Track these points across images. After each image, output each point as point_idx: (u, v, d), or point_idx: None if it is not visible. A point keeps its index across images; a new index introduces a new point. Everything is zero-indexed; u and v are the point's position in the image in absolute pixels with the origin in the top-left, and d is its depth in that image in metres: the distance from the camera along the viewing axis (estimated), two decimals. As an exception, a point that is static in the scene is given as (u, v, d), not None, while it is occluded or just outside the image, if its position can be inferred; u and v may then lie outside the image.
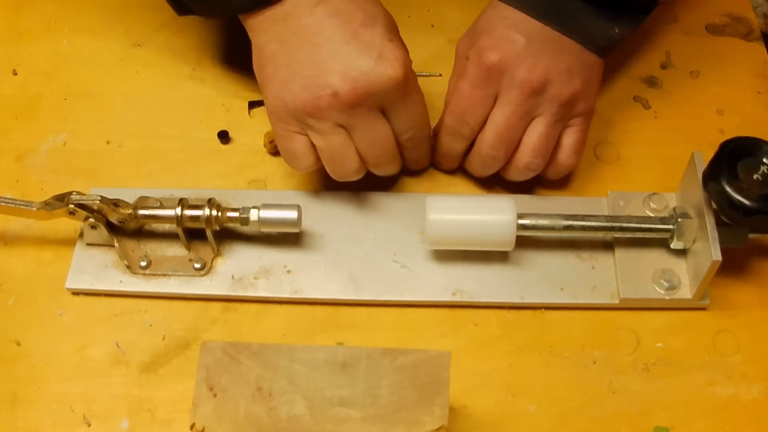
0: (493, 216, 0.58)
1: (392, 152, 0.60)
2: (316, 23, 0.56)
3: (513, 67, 0.58)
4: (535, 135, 0.59)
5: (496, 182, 0.65)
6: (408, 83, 0.57)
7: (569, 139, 0.61)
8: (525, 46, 0.58)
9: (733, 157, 0.54)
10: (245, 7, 0.57)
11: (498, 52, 0.58)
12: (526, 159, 0.60)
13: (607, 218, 0.59)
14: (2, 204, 0.59)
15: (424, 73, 0.70)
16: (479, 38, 0.59)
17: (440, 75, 0.70)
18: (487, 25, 0.60)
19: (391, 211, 0.63)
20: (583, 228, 0.59)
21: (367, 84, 0.55)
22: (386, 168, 0.61)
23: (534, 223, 0.59)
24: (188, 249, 0.61)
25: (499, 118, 0.59)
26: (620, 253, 0.60)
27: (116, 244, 0.61)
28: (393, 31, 0.57)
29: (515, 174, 0.62)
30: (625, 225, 0.59)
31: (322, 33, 0.56)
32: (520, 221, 0.58)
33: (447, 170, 0.65)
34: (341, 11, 0.56)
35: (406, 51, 0.57)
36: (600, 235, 0.61)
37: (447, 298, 0.60)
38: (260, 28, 0.57)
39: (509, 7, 0.60)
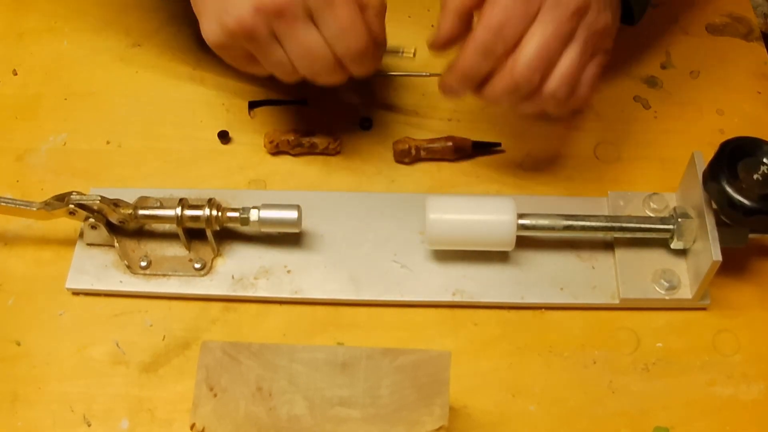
0: (493, 216, 0.58)
1: (326, 65, 0.56)
2: None
3: None
4: (568, 61, 0.56)
5: (496, 182, 0.65)
6: None
7: (591, 69, 0.58)
8: None
9: (733, 157, 0.54)
10: None
11: None
12: (554, 86, 0.56)
13: (607, 218, 0.59)
14: (2, 204, 0.59)
15: (424, 74, 0.70)
16: None
17: (440, 75, 0.70)
18: None
19: (391, 211, 0.63)
20: (583, 228, 0.59)
21: (272, 4, 0.53)
22: (326, 79, 0.58)
23: (534, 223, 0.59)
24: (188, 249, 0.61)
25: (541, 37, 0.54)
26: (620, 253, 0.60)
27: (116, 244, 0.61)
28: None
29: (536, 103, 0.57)
30: (625, 225, 0.59)
31: None
32: (520, 221, 0.58)
33: (451, 97, 0.61)
34: None
35: None
36: (600, 235, 0.61)
37: (447, 298, 0.60)
38: None
39: None
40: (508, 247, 0.59)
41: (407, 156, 0.65)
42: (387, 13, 0.75)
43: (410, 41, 0.73)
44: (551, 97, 0.56)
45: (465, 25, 0.58)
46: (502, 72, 0.56)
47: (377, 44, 0.58)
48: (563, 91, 0.56)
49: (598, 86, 0.59)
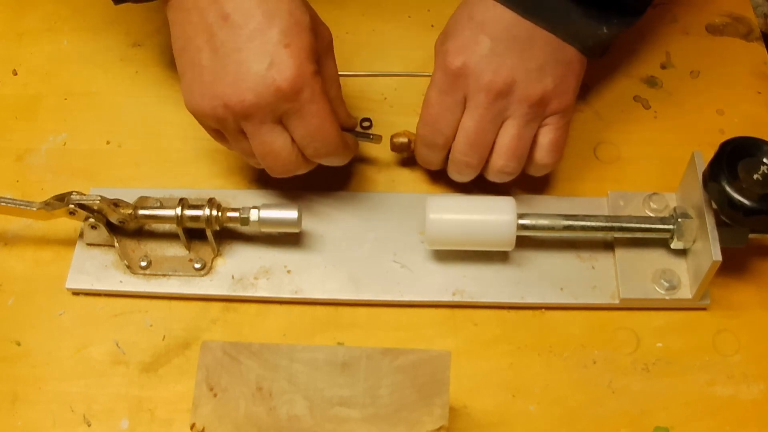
0: (493, 216, 0.58)
1: (288, 165, 0.57)
2: (213, 23, 0.54)
3: (478, 71, 0.56)
4: (506, 138, 0.58)
5: (496, 182, 0.65)
6: (301, 94, 0.53)
7: (545, 138, 0.59)
8: (490, 47, 0.56)
9: (733, 157, 0.54)
10: None
11: (462, 56, 0.57)
12: (500, 162, 0.59)
13: (607, 218, 0.59)
14: (2, 204, 0.59)
15: (424, 74, 0.70)
16: (445, 41, 0.58)
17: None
18: (454, 25, 0.59)
19: (391, 211, 0.63)
20: (583, 228, 0.59)
21: (254, 96, 0.53)
22: (287, 174, 0.58)
23: (534, 223, 0.59)
24: (188, 249, 0.61)
25: (469, 123, 0.58)
26: (620, 253, 0.60)
27: (116, 244, 0.61)
28: (293, 32, 0.53)
29: (493, 177, 0.60)
30: (625, 225, 0.59)
31: (217, 36, 0.54)
32: (520, 221, 0.58)
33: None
34: (238, 10, 0.53)
35: (306, 56, 0.53)
36: (600, 235, 0.61)
37: (447, 298, 0.60)
38: (171, 18, 0.57)
39: (486, 1, 0.57)
40: (508, 247, 0.59)
41: (405, 150, 0.64)
42: (387, 14, 0.76)
43: (410, 41, 0.74)
44: (501, 172, 0.59)
45: None
46: (449, 158, 0.60)
47: (346, 144, 0.59)
48: (511, 165, 0.59)
49: (565, 145, 0.61)
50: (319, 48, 0.56)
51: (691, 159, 0.58)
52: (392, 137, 0.64)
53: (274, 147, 0.56)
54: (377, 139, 0.63)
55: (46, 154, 0.68)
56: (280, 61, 0.52)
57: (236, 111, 0.54)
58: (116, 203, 0.59)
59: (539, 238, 0.61)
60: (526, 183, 0.65)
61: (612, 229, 0.59)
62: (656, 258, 0.60)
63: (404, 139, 0.63)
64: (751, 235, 0.58)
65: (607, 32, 0.60)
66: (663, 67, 0.72)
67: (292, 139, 0.56)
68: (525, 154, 0.59)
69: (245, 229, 0.61)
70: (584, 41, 0.59)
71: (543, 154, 0.60)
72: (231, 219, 0.59)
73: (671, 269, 0.59)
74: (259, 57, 0.53)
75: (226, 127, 0.56)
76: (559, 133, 0.60)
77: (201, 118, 0.57)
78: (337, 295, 0.60)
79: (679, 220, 0.58)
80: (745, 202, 0.53)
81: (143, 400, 0.57)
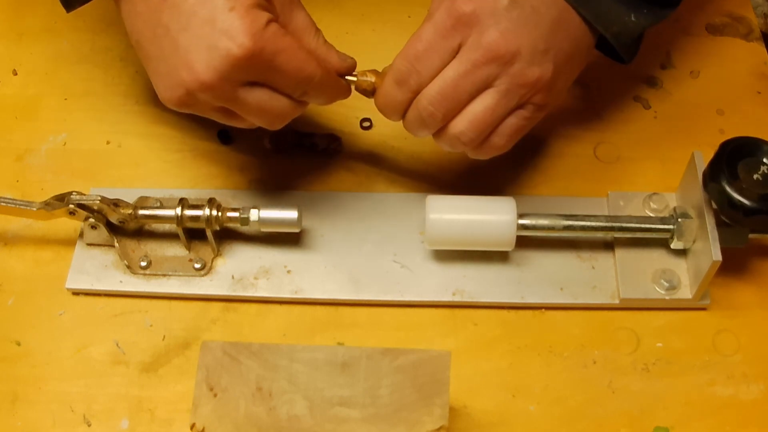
0: (493, 216, 0.58)
1: (282, 116, 0.54)
2: (155, 7, 0.51)
3: (485, 25, 0.52)
4: (481, 106, 0.53)
5: (496, 182, 0.65)
6: (263, 52, 0.49)
7: (512, 121, 0.55)
8: (507, 7, 0.52)
9: (733, 157, 0.54)
10: None
11: (474, 4, 0.52)
12: (461, 128, 0.54)
13: (607, 218, 0.59)
14: (2, 204, 0.59)
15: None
16: None
17: None
18: None
19: (391, 211, 0.63)
20: (583, 228, 0.59)
21: (215, 73, 0.49)
22: (286, 122, 0.56)
23: (534, 223, 0.59)
24: (188, 249, 0.61)
25: (450, 74, 0.53)
26: (620, 253, 0.60)
27: (116, 244, 0.61)
28: None
29: (444, 141, 0.56)
30: (625, 225, 0.59)
31: (162, 21, 0.50)
32: (520, 221, 0.58)
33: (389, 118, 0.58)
34: None
35: (255, 11, 0.49)
36: (600, 235, 0.61)
37: (447, 298, 0.60)
38: (122, 13, 0.54)
39: None
40: (508, 247, 0.59)
41: (371, 94, 0.58)
42: (387, 14, 0.76)
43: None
44: (457, 139, 0.55)
45: None
46: (413, 104, 0.55)
47: (334, 77, 0.56)
48: (469, 135, 0.54)
49: (521, 135, 0.57)
50: (283, 3, 0.53)
51: (691, 159, 0.58)
52: (358, 75, 0.57)
53: (261, 106, 0.53)
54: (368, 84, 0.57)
55: (46, 154, 0.68)
56: (229, 27, 0.49)
57: (203, 93, 0.51)
58: (116, 203, 0.59)
59: (539, 238, 0.61)
60: (526, 183, 0.65)
61: (612, 229, 0.59)
62: (656, 258, 0.60)
63: (371, 79, 0.57)
64: (751, 235, 0.58)
65: (635, 21, 0.57)
66: (663, 67, 0.72)
67: (274, 89, 0.53)
68: (488, 131, 0.55)
69: (245, 229, 0.61)
70: (609, 25, 0.56)
71: (500, 136, 0.55)
72: (231, 219, 0.59)
73: (671, 269, 0.59)
74: (207, 31, 0.49)
75: (204, 110, 0.53)
76: (525, 123, 0.55)
77: (177, 108, 0.53)
78: (337, 295, 0.60)
79: (679, 220, 0.58)
80: (745, 202, 0.53)
81: (143, 400, 0.57)
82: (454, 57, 0.53)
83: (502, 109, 0.54)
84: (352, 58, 0.57)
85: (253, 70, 0.51)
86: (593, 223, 0.59)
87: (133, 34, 0.54)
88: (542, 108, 0.56)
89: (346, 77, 0.57)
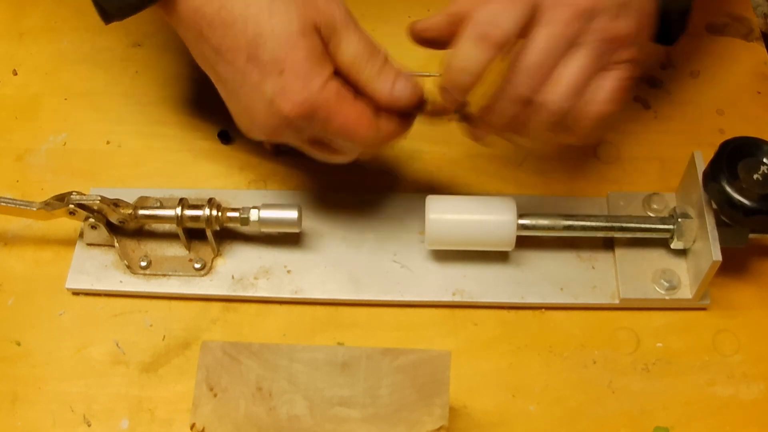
0: (493, 216, 0.58)
1: (344, 158, 0.55)
2: (210, 56, 0.52)
3: None
4: (573, 68, 0.49)
5: (496, 182, 0.65)
6: (315, 115, 0.50)
7: (606, 82, 0.50)
8: None
9: (733, 157, 0.54)
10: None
11: None
12: (556, 97, 0.49)
13: (607, 218, 0.59)
14: (2, 204, 0.59)
15: (424, 73, 0.70)
16: None
17: (440, 75, 0.70)
18: None
19: (391, 211, 0.63)
20: (583, 228, 0.59)
21: (272, 129, 0.52)
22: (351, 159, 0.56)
23: (534, 223, 0.59)
24: (188, 249, 0.61)
25: (540, 40, 0.49)
26: (620, 253, 0.60)
27: (116, 244, 0.61)
28: (283, 52, 0.50)
29: (537, 123, 0.51)
30: (625, 225, 0.59)
31: (219, 71, 0.52)
32: (520, 221, 0.58)
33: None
34: (224, 43, 0.51)
35: (306, 73, 0.50)
36: (600, 235, 0.61)
37: (447, 298, 0.60)
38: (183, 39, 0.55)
39: None
40: (508, 247, 0.59)
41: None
42: (387, 14, 0.76)
43: (410, 41, 0.73)
44: (554, 114, 0.50)
45: (452, 31, 0.53)
46: (495, 97, 0.52)
47: (385, 132, 0.54)
48: (567, 104, 0.49)
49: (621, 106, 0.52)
50: (327, 36, 0.51)
51: (691, 159, 0.58)
52: (427, 104, 0.55)
53: (323, 153, 0.55)
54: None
55: (46, 154, 0.68)
56: (281, 92, 0.50)
57: (269, 137, 0.54)
58: (116, 203, 0.59)
59: (539, 238, 0.61)
60: (526, 183, 0.65)
61: (612, 229, 0.59)
62: (656, 258, 0.60)
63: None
64: (751, 235, 0.58)
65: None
66: (663, 67, 0.72)
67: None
68: (582, 95, 0.50)
69: (245, 229, 0.61)
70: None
71: (597, 105, 0.50)
72: (231, 219, 0.59)
73: (671, 269, 0.59)
74: (259, 92, 0.51)
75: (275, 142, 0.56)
76: (623, 84, 0.51)
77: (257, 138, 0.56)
78: (337, 295, 0.60)
79: (679, 220, 0.58)
80: (745, 202, 0.53)
81: (143, 400, 0.57)
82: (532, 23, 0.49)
83: (594, 68, 0.50)
84: (413, 90, 0.53)
85: (304, 126, 0.51)
86: (593, 223, 0.59)
87: (200, 65, 0.55)
88: (635, 65, 0.51)
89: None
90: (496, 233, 0.58)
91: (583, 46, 0.49)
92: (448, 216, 0.58)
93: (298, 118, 0.50)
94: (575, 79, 0.49)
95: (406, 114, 0.54)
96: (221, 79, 0.53)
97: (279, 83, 0.50)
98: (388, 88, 0.52)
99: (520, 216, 0.58)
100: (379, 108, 0.53)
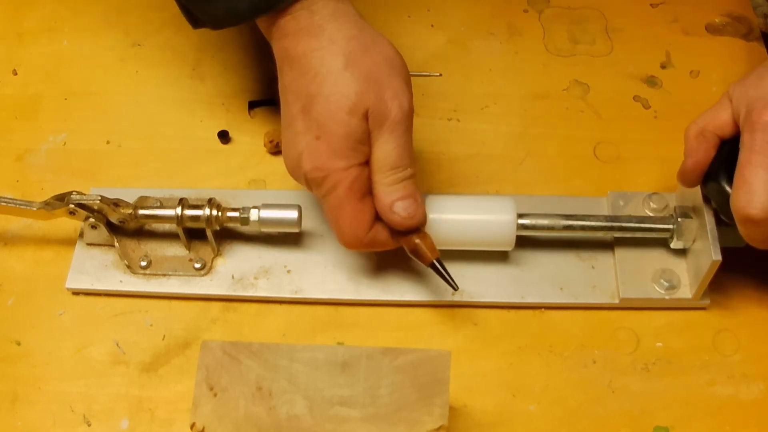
0: (493, 216, 0.58)
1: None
2: (282, 92, 0.56)
3: None
4: None
5: (495, 182, 0.65)
6: (323, 185, 0.53)
7: None
8: None
9: (732, 157, 0.54)
10: (249, 14, 0.54)
11: None
12: None
13: (607, 218, 0.59)
14: (2, 204, 0.59)
15: (424, 73, 0.70)
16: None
17: (440, 75, 0.70)
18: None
19: (391, 211, 0.63)
20: (583, 228, 0.59)
21: (294, 174, 0.56)
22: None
23: (534, 223, 0.59)
24: (188, 249, 0.61)
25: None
26: (620, 253, 0.60)
27: (116, 244, 0.61)
28: (328, 122, 0.52)
29: None
30: (625, 225, 0.59)
31: (283, 105, 0.55)
32: (520, 221, 0.58)
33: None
34: (290, 88, 0.54)
35: (334, 150, 0.52)
36: (600, 235, 0.61)
37: (447, 298, 0.60)
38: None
39: None
40: (508, 247, 0.59)
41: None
42: (387, 14, 0.76)
43: (410, 41, 0.74)
44: None
45: (711, 149, 0.55)
46: None
47: (368, 241, 0.55)
48: None
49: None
50: (372, 126, 0.53)
51: (691, 159, 0.58)
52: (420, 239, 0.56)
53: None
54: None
55: (46, 154, 0.68)
56: (309, 152, 0.53)
57: (296, 179, 0.57)
58: (116, 203, 0.59)
59: (539, 238, 0.61)
60: (526, 183, 0.65)
61: (612, 229, 0.59)
62: (656, 258, 0.60)
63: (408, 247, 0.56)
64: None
65: None
66: (663, 67, 0.72)
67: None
68: None
69: (245, 229, 0.61)
70: None
71: None
72: (231, 219, 0.59)
73: (671, 269, 0.59)
74: (295, 142, 0.54)
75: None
76: None
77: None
78: (337, 295, 0.60)
79: (679, 219, 0.58)
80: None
81: (143, 400, 0.57)
82: None
83: None
84: (411, 216, 0.54)
85: (316, 190, 0.54)
86: (593, 223, 0.59)
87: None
88: None
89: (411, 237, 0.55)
90: (496, 233, 0.58)
91: None
92: (448, 216, 0.58)
93: (310, 179, 0.54)
94: None
95: (400, 232, 0.55)
96: (283, 110, 0.56)
97: (311, 145, 0.53)
98: (391, 199, 0.54)
99: (520, 216, 0.58)
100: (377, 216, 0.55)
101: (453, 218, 0.58)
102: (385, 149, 0.53)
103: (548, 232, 0.59)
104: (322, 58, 0.52)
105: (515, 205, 0.58)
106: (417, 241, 0.55)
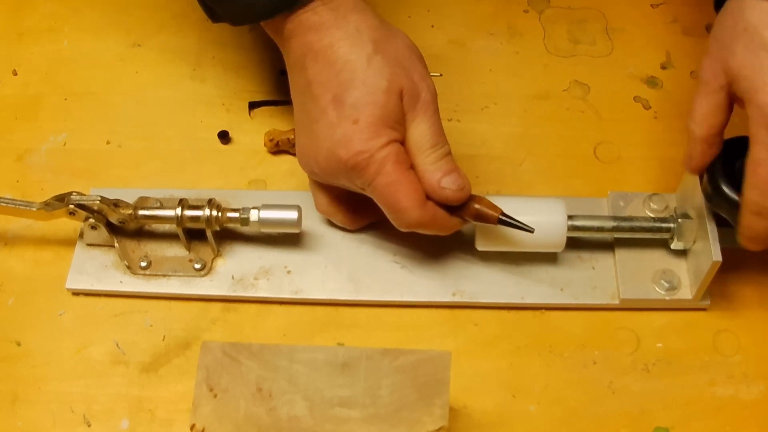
0: (544, 217, 0.57)
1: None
2: (303, 88, 0.55)
3: None
4: None
5: (496, 182, 0.65)
6: (367, 169, 0.52)
7: None
8: None
9: (731, 157, 0.54)
10: (266, 14, 0.54)
11: None
12: None
13: (607, 218, 0.59)
14: (2, 204, 0.59)
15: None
16: (758, 90, 0.49)
17: (440, 75, 0.70)
18: (753, 58, 0.50)
19: (391, 211, 0.63)
20: (583, 228, 0.59)
21: (327, 171, 0.55)
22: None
23: (584, 224, 0.59)
24: (188, 249, 0.61)
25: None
26: (620, 253, 0.60)
27: (116, 245, 0.61)
28: (364, 104, 0.52)
29: None
30: (625, 225, 0.59)
31: (305, 102, 0.55)
32: (570, 222, 0.58)
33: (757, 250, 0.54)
34: (317, 79, 0.54)
35: (375, 130, 0.52)
36: (600, 235, 0.61)
37: (447, 298, 0.60)
38: (287, 65, 0.57)
39: None
40: (558, 249, 0.58)
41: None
42: (387, 14, 0.75)
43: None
44: None
45: (715, 147, 0.54)
46: None
47: (431, 215, 0.55)
48: None
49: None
50: (406, 107, 0.54)
51: (691, 159, 0.58)
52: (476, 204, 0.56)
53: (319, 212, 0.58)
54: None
55: (46, 154, 0.68)
56: (347, 137, 0.52)
57: (324, 177, 0.56)
58: (116, 203, 0.59)
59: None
60: (527, 183, 0.65)
61: (612, 229, 0.59)
62: (656, 258, 0.60)
63: (484, 208, 0.55)
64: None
65: None
66: (663, 67, 0.72)
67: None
68: None
69: (245, 229, 0.61)
70: None
71: None
72: (231, 219, 0.59)
73: (671, 269, 0.59)
74: (331, 131, 0.53)
75: (336, 184, 0.57)
76: None
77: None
78: (337, 295, 0.60)
79: (679, 220, 0.58)
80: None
81: (143, 400, 0.57)
82: None
83: None
84: (460, 188, 0.54)
85: (357, 180, 0.53)
86: (593, 223, 0.59)
87: (291, 89, 0.58)
88: None
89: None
90: (547, 234, 0.57)
91: None
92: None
93: (353, 166, 0.52)
94: None
95: (452, 209, 0.56)
96: (304, 109, 0.55)
97: (349, 130, 0.52)
98: (437, 177, 0.54)
99: (570, 217, 0.58)
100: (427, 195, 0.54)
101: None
102: (422, 129, 0.54)
103: (597, 233, 0.59)
104: (351, 46, 0.53)
105: (565, 206, 0.58)
106: (476, 206, 0.55)
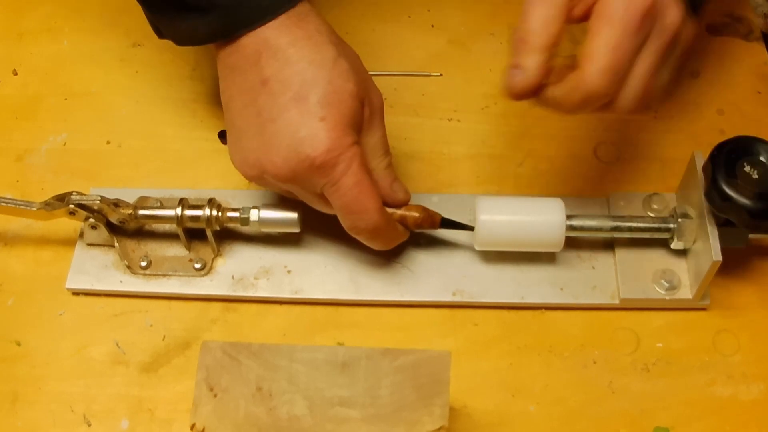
0: (542, 217, 0.57)
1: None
2: (253, 87, 0.53)
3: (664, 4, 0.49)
4: (642, 68, 0.50)
5: (496, 183, 0.65)
6: (335, 168, 0.51)
7: (664, 72, 0.52)
8: None
9: (731, 157, 0.54)
10: (206, 39, 0.54)
11: None
12: (629, 97, 0.51)
13: (608, 218, 0.59)
14: (2, 204, 0.59)
15: (424, 73, 0.70)
16: None
17: (440, 75, 0.70)
18: None
19: (391, 211, 0.63)
20: (583, 228, 0.59)
21: (289, 170, 0.52)
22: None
23: (582, 224, 0.59)
24: (188, 249, 0.61)
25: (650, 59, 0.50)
26: (620, 253, 0.60)
27: (116, 244, 0.61)
28: (331, 103, 0.51)
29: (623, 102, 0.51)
30: (625, 225, 0.59)
31: (256, 101, 0.52)
32: (568, 222, 0.58)
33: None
34: (278, 77, 0.52)
35: (343, 129, 0.51)
36: (600, 235, 0.61)
37: (447, 298, 0.60)
38: (218, 70, 0.55)
39: None
40: (557, 248, 0.58)
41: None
42: (387, 14, 0.75)
43: (410, 41, 0.74)
44: (624, 109, 0.51)
45: (549, 62, 0.53)
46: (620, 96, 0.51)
47: (389, 221, 0.56)
48: (638, 104, 0.51)
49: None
50: (365, 114, 0.54)
51: (691, 159, 0.58)
52: (405, 211, 0.58)
53: (323, 212, 0.56)
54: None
55: (46, 154, 0.68)
56: (313, 135, 0.51)
57: (274, 180, 0.53)
58: (116, 203, 0.59)
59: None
60: (527, 183, 0.65)
61: (612, 229, 0.59)
62: (656, 258, 0.60)
63: (416, 214, 0.58)
64: (751, 236, 0.58)
65: None
66: (663, 67, 0.72)
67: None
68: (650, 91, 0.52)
69: (245, 229, 0.61)
70: None
71: (654, 93, 0.52)
72: (231, 219, 0.59)
73: (671, 269, 0.59)
74: (293, 129, 0.51)
75: (275, 188, 0.56)
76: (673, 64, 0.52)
77: (246, 178, 0.56)
78: (337, 295, 0.60)
79: (679, 220, 0.58)
80: (745, 201, 0.53)
81: (143, 400, 0.57)
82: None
83: (661, 65, 0.51)
84: (406, 192, 0.58)
85: (320, 180, 0.52)
86: (593, 223, 0.59)
87: (224, 95, 0.55)
88: (684, 55, 0.53)
89: (391, 209, 0.57)
90: (545, 234, 0.57)
91: (651, 47, 0.50)
92: (500, 217, 0.57)
93: (319, 165, 0.51)
94: (647, 82, 0.50)
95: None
96: (254, 109, 0.53)
97: (315, 128, 0.51)
98: (389, 180, 0.56)
99: (568, 217, 0.58)
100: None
101: (503, 219, 0.57)
102: (378, 135, 0.56)
103: (596, 233, 0.59)
104: (314, 46, 0.52)
105: (564, 206, 0.58)
106: (422, 207, 0.58)
